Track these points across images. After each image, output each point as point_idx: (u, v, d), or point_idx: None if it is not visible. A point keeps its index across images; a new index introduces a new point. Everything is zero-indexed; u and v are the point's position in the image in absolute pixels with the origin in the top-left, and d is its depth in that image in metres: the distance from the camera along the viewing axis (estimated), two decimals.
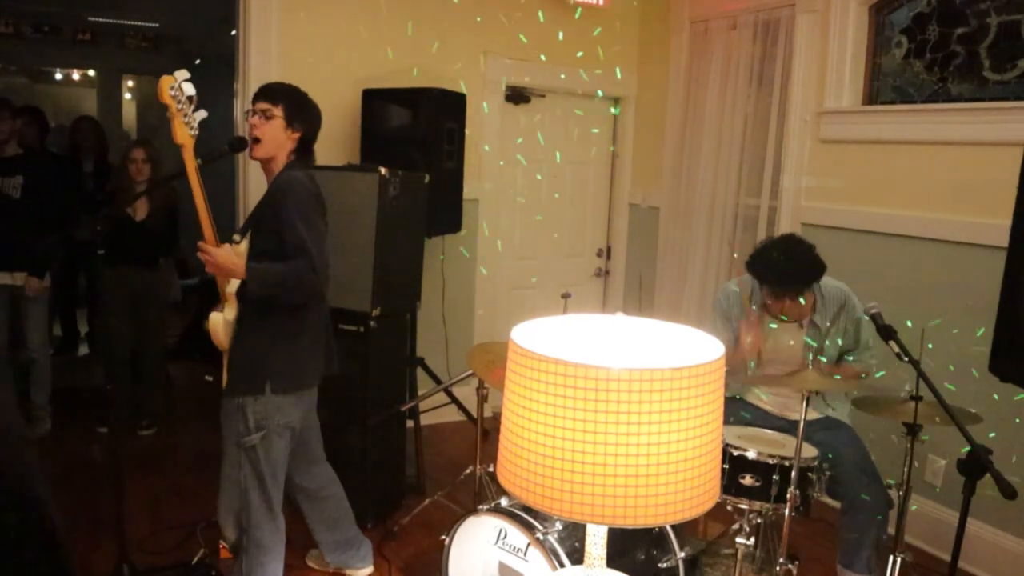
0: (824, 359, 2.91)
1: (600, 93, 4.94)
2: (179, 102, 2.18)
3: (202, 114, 2.26)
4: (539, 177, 4.94)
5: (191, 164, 2.24)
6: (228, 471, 2.51)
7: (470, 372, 2.88)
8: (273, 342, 2.39)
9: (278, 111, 2.39)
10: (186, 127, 2.22)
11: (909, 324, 3.19)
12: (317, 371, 2.53)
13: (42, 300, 4.06)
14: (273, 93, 2.42)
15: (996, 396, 2.90)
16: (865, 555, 2.70)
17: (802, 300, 2.80)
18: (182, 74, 2.21)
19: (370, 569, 2.94)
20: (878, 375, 2.94)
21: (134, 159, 4.06)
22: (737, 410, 3.02)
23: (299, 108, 2.44)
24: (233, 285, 2.35)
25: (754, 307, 3.02)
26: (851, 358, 2.94)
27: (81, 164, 5.09)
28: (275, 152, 2.42)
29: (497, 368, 2.75)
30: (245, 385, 2.39)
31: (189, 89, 2.21)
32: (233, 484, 2.49)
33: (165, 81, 2.18)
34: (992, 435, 2.86)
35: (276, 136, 2.40)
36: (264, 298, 2.29)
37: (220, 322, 2.39)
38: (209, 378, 2.72)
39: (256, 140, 2.39)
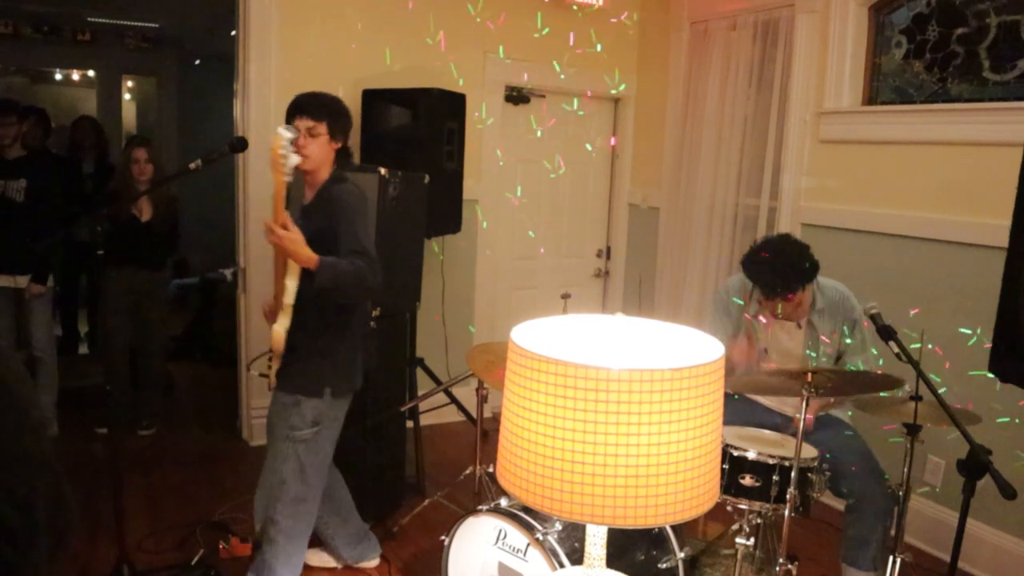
0: (824, 358, 2.91)
1: (600, 92, 4.94)
2: (285, 158, 2.24)
3: (296, 159, 2.30)
4: (538, 177, 4.94)
5: (281, 205, 2.28)
6: (271, 464, 2.56)
7: (469, 373, 2.88)
8: (333, 350, 2.50)
9: (322, 128, 2.45)
10: (284, 176, 2.27)
11: (909, 324, 3.18)
12: (361, 370, 2.64)
13: (46, 299, 4.06)
14: (317, 110, 2.45)
15: (995, 396, 2.90)
16: (870, 552, 2.70)
17: (794, 299, 2.81)
18: (288, 131, 2.26)
19: (379, 554, 3.06)
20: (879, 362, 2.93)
21: (137, 159, 4.05)
22: (736, 407, 3.01)
23: (340, 120, 2.50)
24: (290, 296, 2.39)
25: (754, 303, 3.02)
26: (851, 367, 2.93)
27: (81, 164, 5.09)
28: (321, 165, 2.48)
29: (497, 368, 2.75)
30: (305, 386, 2.48)
31: (290, 143, 2.26)
32: (271, 476, 2.54)
33: (278, 141, 2.22)
34: (992, 435, 2.86)
35: (322, 152, 2.46)
36: (325, 292, 2.34)
37: (282, 333, 2.43)
38: (255, 373, 2.80)
39: (303, 157, 2.43)
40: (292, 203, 2.47)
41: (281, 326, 2.42)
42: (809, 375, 2.38)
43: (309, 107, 2.46)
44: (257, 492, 2.63)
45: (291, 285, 2.38)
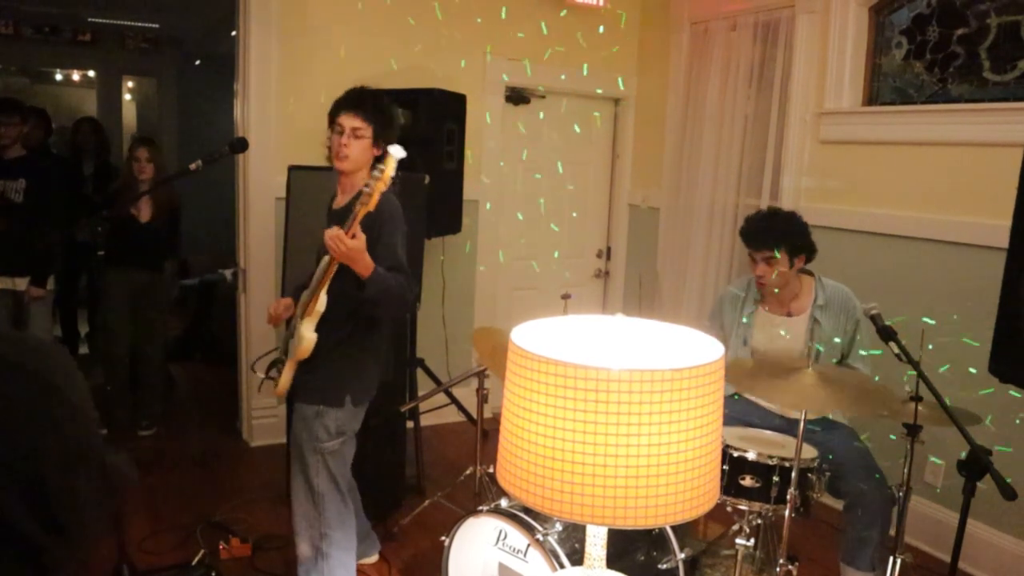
0: (821, 353, 2.92)
1: (600, 92, 4.94)
2: (391, 179, 2.18)
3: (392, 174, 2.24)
4: (539, 177, 4.94)
5: (363, 213, 2.20)
6: (303, 478, 2.54)
7: (472, 372, 2.88)
8: (356, 359, 2.50)
9: (369, 132, 2.39)
10: (380, 195, 2.19)
11: (908, 325, 3.18)
12: (379, 379, 2.65)
13: (45, 302, 4.05)
14: (370, 111, 2.38)
15: (995, 397, 2.90)
16: (868, 552, 2.70)
17: (773, 262, 2.84)
18: (399, 151, 2.17)
19: (379, 550, 3.09)
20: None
21: (138, 158, 4.04)
22: (735, 408, 3.02)
23: (388, 130, 2.43)
24: (322, 303, 2.37)
25: (751, 301, 3.03)
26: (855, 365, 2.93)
27: (81, 165, 5.08)
28: (359, 168, 2.44)
29: (501, 355, 2.74)
30: (327, 396, 2.47)
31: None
32: (306, 493, 2.54)
33: (391, 163, 2.14)
34: (992, 436, 2.86)
35: (363, 155, 2.41)
36: (369, 303, 2.32)
37: (314, 339, 2.40)
38: (261, 375, 2.77)
39: (344, 157, 2.39)
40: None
41: (310, 332, 2.38)
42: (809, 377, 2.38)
43: (362, 105, 2.38)
44: (295, 517, 2.58)
45: (324, 293, 2.36)
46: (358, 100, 2.41)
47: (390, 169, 2.13)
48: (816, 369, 2.41)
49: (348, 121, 2.38)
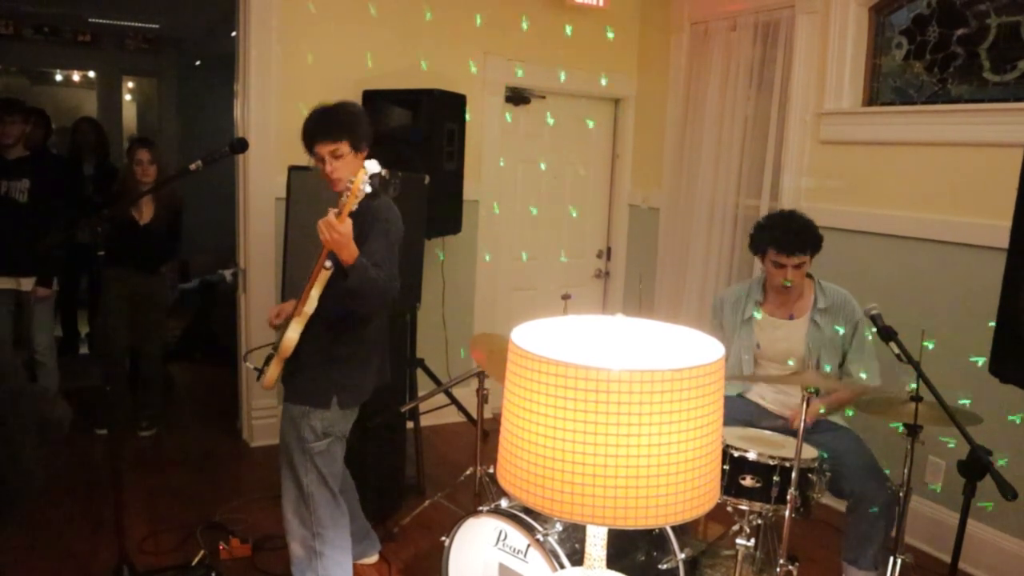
0: (823, 362, 2.92)
1: (600, 93, 4.94)
2: (362, 190, 2.22)
3: (369, 189, 2.28)
4: (539, 178, 4.94)
5: (349, 205, 2.26)
6: (291, 479, 2.56)
7: (471, 372, 2.88)
8: (344, 362, 2.51)
9: (345, 147, 2.41)
10: (354, 205, 2.24)
11: (909, 325, 3.18)
12: (373, 384, 2.65)
13: (49, 302, 4.05)
14: (335, 131, 2.40)
15: (995, 397, 2.90)
16: (870, 552, 2.70)
17: (803, 266, 2.85)
18: (373, 165, 2.24)
19: (379, 550, 3.09)
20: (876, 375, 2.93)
21: (140, 160, 4.02)
22: (738, 408, 3.02)
23: (359, 130, 2.45)
24: (312, 305, 2.40)
25: (751, 304, 3.03)
26: (860, 374, 2.93)
27: (82, 165, 5.08)
28: (351, 176, 2.45)
29: (498, 359, 2.75)
30: (313, 397, 2.50)
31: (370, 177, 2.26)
32: (296, 493, 2.55)
33: (362, 175, 2.20)
34: (991, 436, 2.86)
35: (351, 168, 2.41)
36: (351, 294, 2.33)
37: (295, 339, 2.44)
38: (251, 365, 2.79)
39: (336, 180, 2.42)
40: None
41: (295, 332, 2.43)
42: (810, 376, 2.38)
43: (325, 131, 2.40)
44: (286, 516, 2.60)
45: (315, 294, 2.39)
46: (320, 128, 2.41)
47: (359, 182, 2.19)
48: (817, 371, 2.41)
49: (323, 148, 2.40)
